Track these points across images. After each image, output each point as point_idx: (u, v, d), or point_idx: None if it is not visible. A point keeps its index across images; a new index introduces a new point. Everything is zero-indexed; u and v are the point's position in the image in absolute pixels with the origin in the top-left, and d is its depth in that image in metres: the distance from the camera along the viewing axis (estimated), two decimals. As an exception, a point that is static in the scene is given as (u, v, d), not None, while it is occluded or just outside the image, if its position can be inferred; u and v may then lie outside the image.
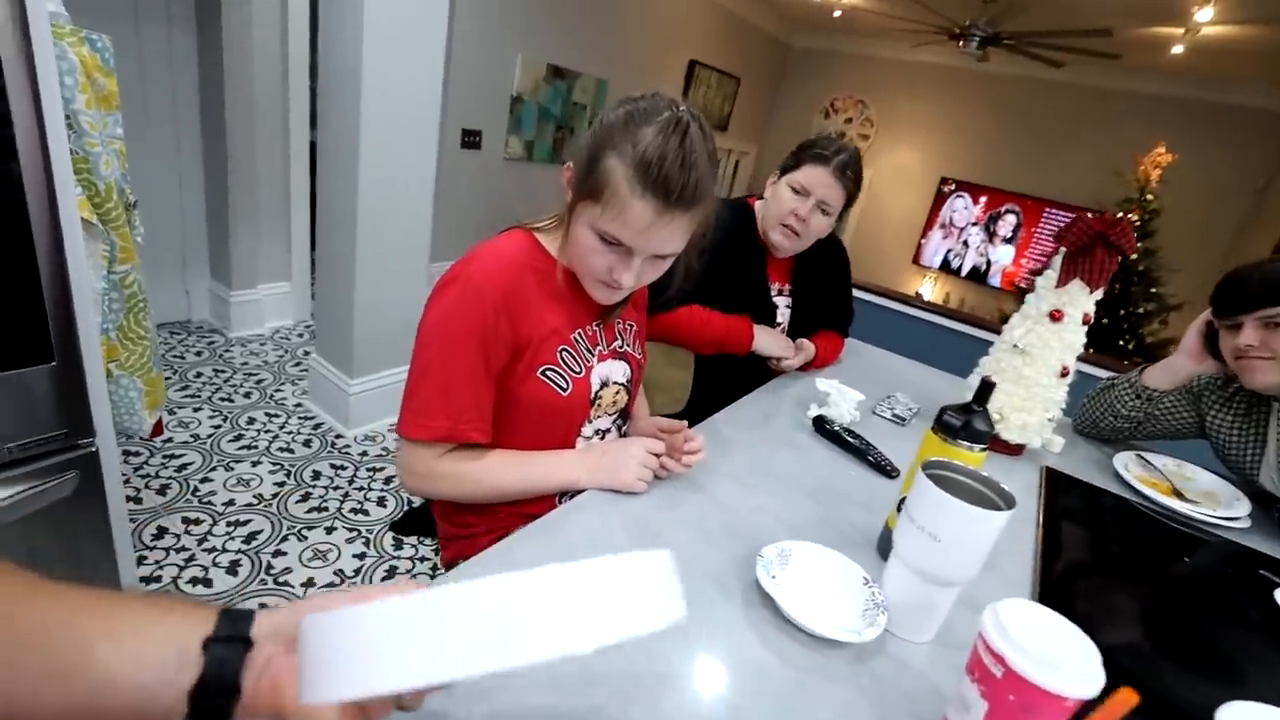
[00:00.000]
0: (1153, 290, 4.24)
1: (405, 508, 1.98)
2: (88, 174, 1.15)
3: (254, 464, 2.02)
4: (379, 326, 2.22)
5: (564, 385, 0.80)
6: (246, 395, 2.39)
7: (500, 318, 0.74)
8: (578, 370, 0.82)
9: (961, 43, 4.18)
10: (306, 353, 2.78)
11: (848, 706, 0.58)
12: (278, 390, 2.46)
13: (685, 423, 0.89)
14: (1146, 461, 1.25)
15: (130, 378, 1.31)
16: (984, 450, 0.72)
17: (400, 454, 0.80)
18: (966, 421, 0.71)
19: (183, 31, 2.48)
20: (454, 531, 0.88)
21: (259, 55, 2.51)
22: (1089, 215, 1.06)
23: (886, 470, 1.02)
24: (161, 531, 1.68)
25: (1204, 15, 3.47)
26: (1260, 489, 1.19)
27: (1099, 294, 1.08)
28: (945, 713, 0.55)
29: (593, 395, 0.84)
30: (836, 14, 5.21)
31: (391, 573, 1.71)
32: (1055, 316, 1.09)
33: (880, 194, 6.14)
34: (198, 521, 1.74)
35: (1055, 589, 0.82)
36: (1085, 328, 1.11)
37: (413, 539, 1.85)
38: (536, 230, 0.83)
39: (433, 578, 1.71)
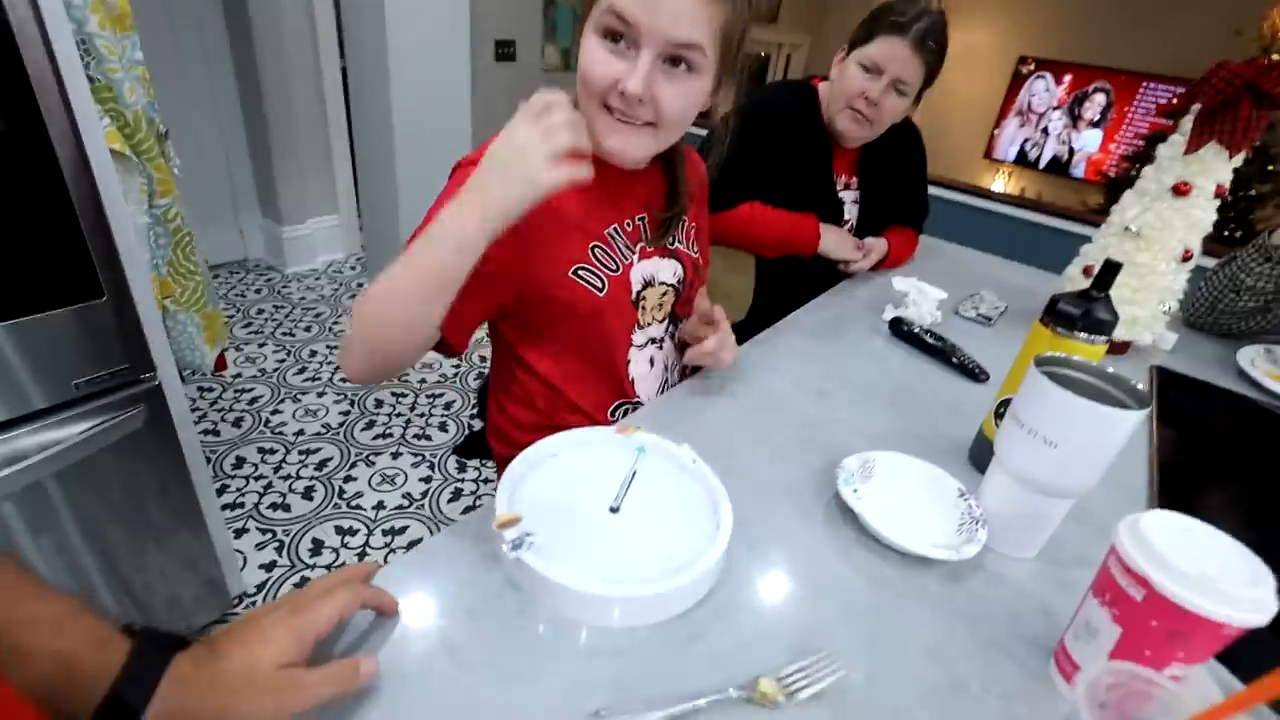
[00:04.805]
0: (1269, 169, 3.75)
1: (466, 432, 2.00)
2: (113, 102, 1.11)
3: (319, 395, 2.07)
4: (426, 254, 2.18)
5: (599, 285, 0.73)
6: (306, 329, 2.43)
7: None
8: (613, 268, 0.74)
9: (1050, -110, 3.61)
10: (360, 284, 2.80)
11: (946, 630, 0.52)
12: (335, 323, 2.49)
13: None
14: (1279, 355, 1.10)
15: (187, 313, 1.32)
16: (1106, 343, 0.62)
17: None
18: (1086, 310, 0.60)
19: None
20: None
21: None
22: (1233, 63, 0.88)
23: (974, 373, 0.93)
24: (240, 461, 1.75)
25: None
26: None
27: (1239, 160, 0.92)
28: (1062, 638, 0.49)
29: (634, 296, 0.76)
30: None
31: (456, 495, 1.75)
32: (1181, 190, 0.94)
33: (947, 82, 5.56)
34: (272, 451, 1.81)
35: (1177, 502, 0.73)
36: (1218, 201, 0.94)
37: (475, 462, 1.87)
38: None
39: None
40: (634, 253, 0.76)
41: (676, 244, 0.81)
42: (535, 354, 0.76)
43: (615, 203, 0.74)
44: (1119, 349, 1.06)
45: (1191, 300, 1.23)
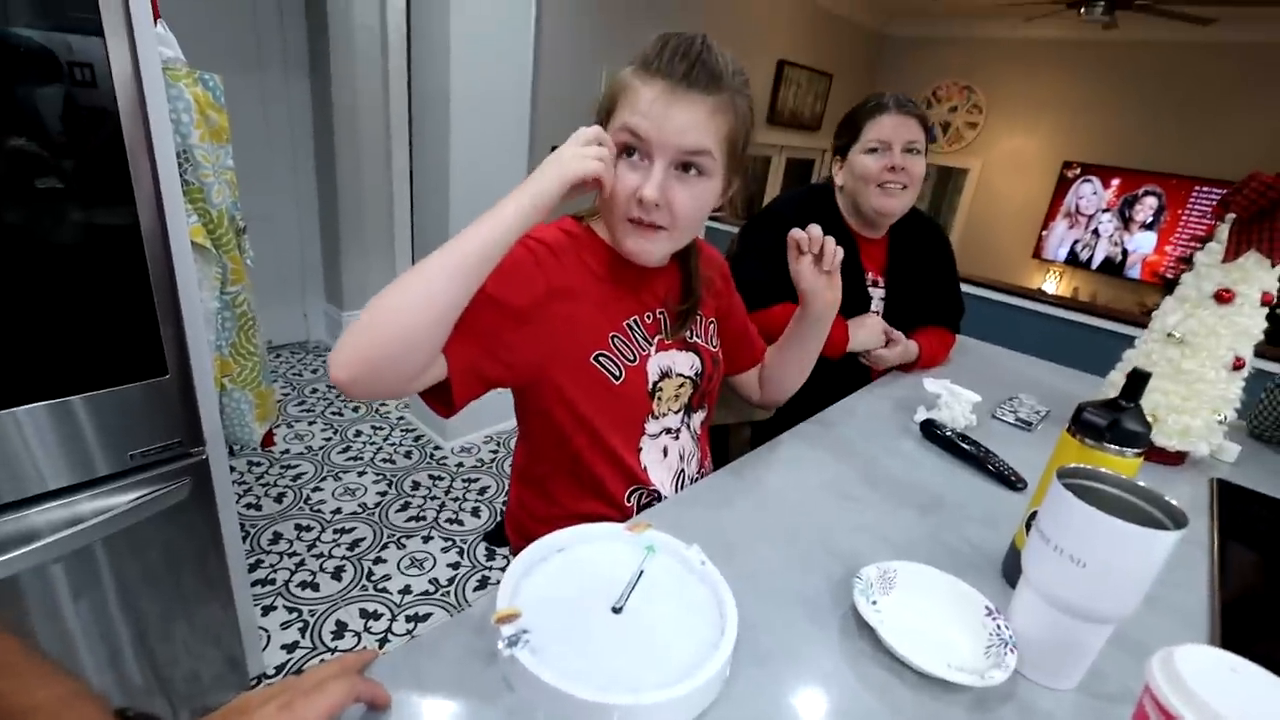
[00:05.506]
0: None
1: (498, 519, 2.00)
2: (202, 202, 1.24)
3: (359, 474, 2.12)
4: (472, 340, 2.27)
5: (616, 373, 0.75)
6: (354, 409, 2.53)
7: (544, 269, 0.70)
8: (631, 359, 0.76)
9: (1083, 10, 3.79)
10: (410, 368, 2.91)
11: (970, 767, 0.47)
12: (382, 404, 2.58)
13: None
14: (1355, 473, 1.02)
15: (242, 391, 1.40)
16: (1138, 456, 0.59)
17: None
18: (1114, 420, 0.58)
19: (297, 75, 2.70)
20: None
21: (362, 87, 2.68)
22: (1265, 175, 0.88)
23: (1010, 481, 0.89)
24: (277, 537, 1.79)
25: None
26: None
27: (1282, 268, 0.89)
28: (1101, 785, 0.44)
29: (650, 386, 0.78)
30: (937, -3, 4.90)
31: (483, 584, 1.72)
32: (1223, 297, 0.91)
33: (993, 185, 5.67)
34: (308, 528, 1.84)
35: (1239, 630, 0.66)
36: (1265, 309, 0.91)
37: (504, 550, 1.86)
38: (585, 219, 0.79)
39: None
40: (651, 344, 0.78)
41: (695, 338, 0.83)
42: (551, 436, 0.77)
43: (635, 296, 0.78)
44: (1173, 460, 1.00)
45: (1255, 411, 1.16)
